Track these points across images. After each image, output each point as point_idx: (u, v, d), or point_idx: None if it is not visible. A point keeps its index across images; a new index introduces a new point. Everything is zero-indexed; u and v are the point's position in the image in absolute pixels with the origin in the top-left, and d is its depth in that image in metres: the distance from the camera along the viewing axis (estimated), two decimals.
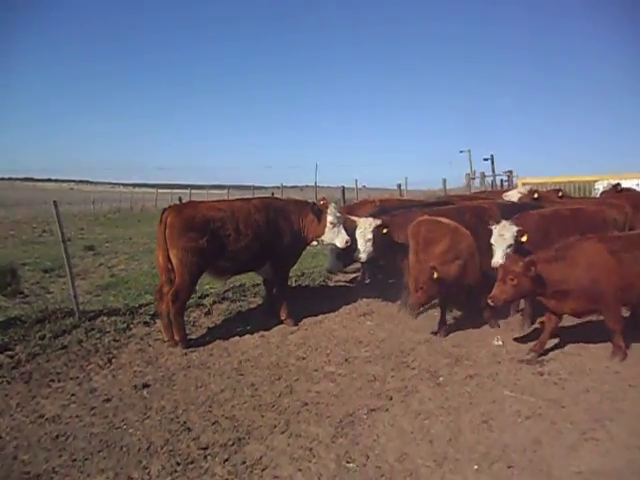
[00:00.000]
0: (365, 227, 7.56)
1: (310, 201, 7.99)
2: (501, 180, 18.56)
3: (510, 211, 7.68)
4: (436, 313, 7.67)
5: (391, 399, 5.10)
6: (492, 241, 6.82)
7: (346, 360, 6.16)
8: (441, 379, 5.55)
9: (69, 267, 7.08)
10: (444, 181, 14.36)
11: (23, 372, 5.65)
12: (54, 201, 6.64)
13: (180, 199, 10.12)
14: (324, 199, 7.78)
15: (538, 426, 4.45)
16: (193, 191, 27.05)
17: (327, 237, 7.49)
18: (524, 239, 6.72)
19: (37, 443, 4.36)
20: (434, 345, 6.53)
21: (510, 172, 18.35)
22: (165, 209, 6.67)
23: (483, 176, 16.43)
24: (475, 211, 7.77)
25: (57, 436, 4.47)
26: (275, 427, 4.62)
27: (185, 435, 4.50)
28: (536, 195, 9.71)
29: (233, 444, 4.35)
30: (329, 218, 7.32)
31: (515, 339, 6.52)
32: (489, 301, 5.84)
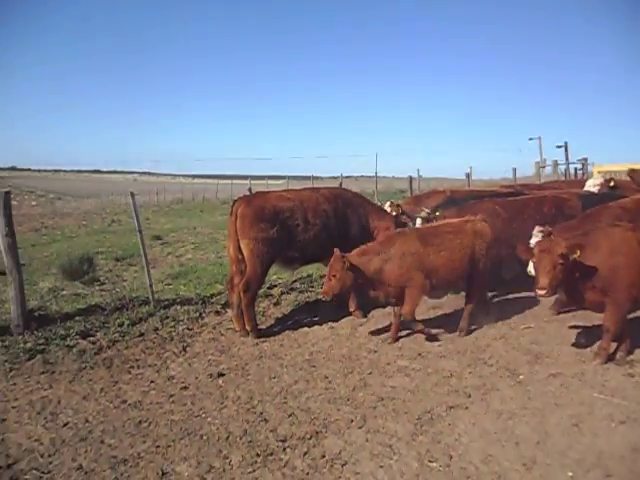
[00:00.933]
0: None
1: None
2: (575, 168, 17.60)
3: (590, 202, 7.26)
4: (509, 307, 7.41)
5: (470, 397, 4.92)
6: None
7: (419, 354, 6.02)
8: (521, 377, 5.30)
9: (145, 257, 7.28)
10: (514, 170, 13.74)
11: (105, 358, 5.85)
12: (131, 192, 6.82)
13: (250, 190, 10.19)
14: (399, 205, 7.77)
15: (635, 432, 4.15)
16: (253, 181, 27.31)
17: None
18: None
19: (122, 428, 4.48)
20: (511, 341, 6.26)
21: (585, 160, 17.34)
22: (235, 200, 6.72)
23: (556, 164, 15.60)
24: (554, 202, 7.39)
25: (140, 422, 4.58)
26: (352, 421, 4.55)
27: (263, 426, 4.51)
28: (612, 184, 9.15)
29: (311, 437, 4.31)
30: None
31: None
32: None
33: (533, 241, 6.45)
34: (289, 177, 30.51)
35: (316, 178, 29.50)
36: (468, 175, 12.90)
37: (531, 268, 6.44)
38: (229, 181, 42.28)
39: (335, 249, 6.02)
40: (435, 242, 6.34)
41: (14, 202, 6.22)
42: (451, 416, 4.57)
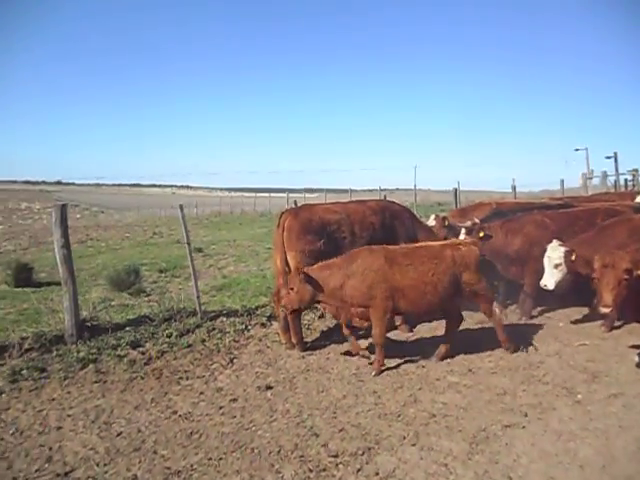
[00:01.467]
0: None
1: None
2: (625, 180, 16.95)
3: None
4: (561, 324, 7.19)
5: (526, 416, 4.75)
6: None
7: (469, 370, 5.86)
8: (580, 397, 5.10)
9: (193, 268, 7.37)
10: (562, 182, 13.35)
11: (154, 368, 5.92)
12: (180, 205, 6.92)
13: (295, 202, 10.24)
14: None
15: None
16: (290, 195, 27.56)
17: None
18: (573, 258, 6.37)
19: (174, 439, 4.50)
20: (565, 358, 6.04)
21: (636, 170, 16.69)
22: (283, 212, 6.74)
23: (605, 175, 15.07)
24: (608, 214, 7.14)
25: (191, 433, 4.59)
26: (404, 438, 4.45)
27: (313, 441, 4.46)
28: None
29: (363, 453, 4.23)
30: None
31: None
32: None
33: (551, 254, 6.49)
34: (326, 190, 30.64)
35: (353, 191, 29.47)
36: (514, 187, 12.53)
37: (546, 281, 6.46)
38: (267, 194, 42.73)
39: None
40: (404, 262, 5.89)
41: None
42: (508, 435, 4.42)
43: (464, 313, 7.44)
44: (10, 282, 10.30)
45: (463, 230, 7.62)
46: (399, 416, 4.85)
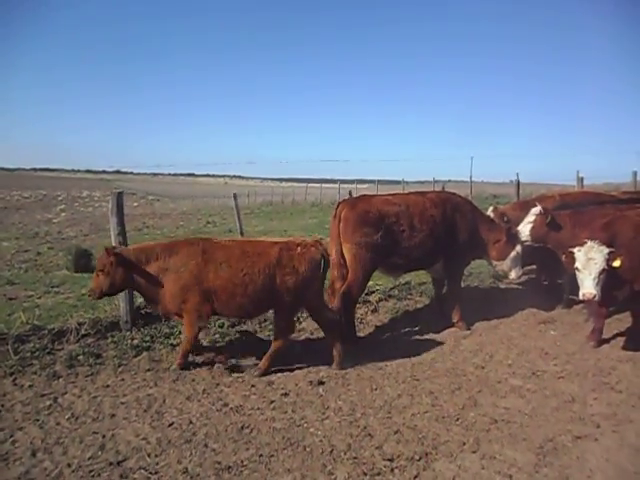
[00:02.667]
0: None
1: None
2: None
3: None
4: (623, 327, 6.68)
5: (599, 427, 4.39)
6: (578, 266, 5.68)
7: (533, 374, 5.52)
8: None
9: None
10: (634, 174, 12.42)
11: (206, 358, 5.87)
12: (234, 194, 6.85)
13: (350, 193, 10.01)
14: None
15: None
16: (342, 185, 27.30)
17: (504, 265, 7.06)
18: (617, 263, 5.50)
19: (224, 432, 4.41)
20: None
21: None
22: (340, 203, 6.53)
23: None
24: None
25: (242, 427, 4.49)
26: (464, 444, 4.19)
27: (367, 442, 4.26)
28: None
29: (420, 459, 4.01)
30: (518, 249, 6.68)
31: None
32: None
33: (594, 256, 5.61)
34: (378, 181, 30.19)
35: (405, 182, 28.89)
36: (581, 179, 11.63)
37: (589, 290, 5.58)
38: (318, 185, 42.64)
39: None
40: (220, 258, 5.36)
41: None
42: (579, 448, 4.09)
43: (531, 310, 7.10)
44: (70, 267, 10.58)
45: (528, 219, 7.00)
46: (458, 420, 4.60)
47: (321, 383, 5.34)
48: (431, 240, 6.44)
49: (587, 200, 8.00)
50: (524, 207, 7.99)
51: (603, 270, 5.55)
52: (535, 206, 7.45)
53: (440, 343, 6.49)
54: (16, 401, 4.87)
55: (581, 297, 5.68)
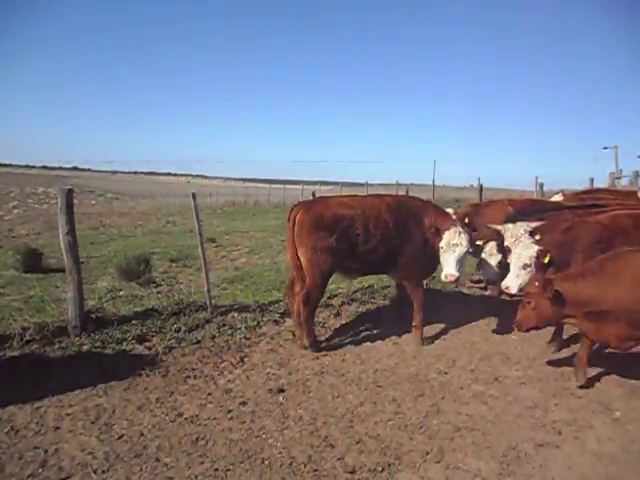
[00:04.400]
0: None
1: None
2: None
3: None
4: None
5: (560, 434, 4.37)
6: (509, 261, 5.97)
7: (496, 379, 5.48)
8: (618, 414, 4.70)
9: (204, 262, 7.01)
10: (591, 180, 12.67)
11: (160, 366, 5.60)
12: (193, 193, 6.57)
13: (314, 194, 9.81)
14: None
15: None
16: (305, 186, 27.17)
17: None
18: (546, 260, 5.70)
19: (178, 445, 4.17)
20: (599, 370, 5.62)
21: None
22: (294, 205, 6.34)
23: (636, 175, 14.34)
24: None
25: (197, 439, 4.26)
26: (427, 454, 4.09)
27: (328, 452, 4.11)
28: None
29: (383, 470, 3.88)
30: (441, 241, 6.31)
31: None
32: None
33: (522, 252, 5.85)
34: (341, 183, 30.13)
35: (369, 185, 28.97)
36: (541, 185, 11.77)
37: (509, 283, 5.85)
38: (281, 185, 42.34)
39: None
40: None
41: (75, 201, 6.08)
42: (541, 456, 4.04)
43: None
44: (19, 267, 10.07)
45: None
46: (421, 428, 4.50)
47: (281, 391, 5.15)
48: (386, 244, 6.28)
49: (533, 207, 7.92)
50: (476, 211, 7.93)
51: (527, 265, 5.78)
52: (486, 208, 7.50)
53: (402, 348, 6.40)
54: None
55: (502, 287, 5.98)
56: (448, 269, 6.22)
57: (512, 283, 5.80)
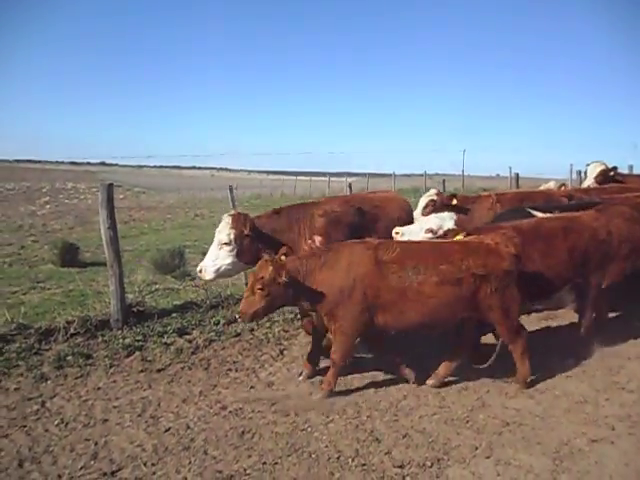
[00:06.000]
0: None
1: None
2: None
3: None
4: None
5: (614, 429, 4.23)
6: None
7: (540, 372, 5.36)
8: None
9: None
10: (630, 168, 12.14)
11: (202, 358, 5.64)
12: (230, 186, 6.59)
13: (350, 186, 9.66)
14: None
15: None
16: (332, 178, 27.04)
17: None
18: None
19: (224, 438, 4.18)
20: None
21: None
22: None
23: None
24: None
25: (243, 432, 4.27)
26: (476, 449, 4.01)
27: (375, 447, 4.07)
28: None
29: (432, 465, 3.82)
30: None
31: None
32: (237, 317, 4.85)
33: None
34: (368, 174, 29.91)
35: (397, 176, 28.66)
36: (582, 173, 11.16)
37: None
38: (307, 178, 42.26)
39: None
40: None
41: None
42: (596, 452, 3.92)
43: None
44: (56, 262, 10.26)
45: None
46: (468, 422, 4.42)
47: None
48: None
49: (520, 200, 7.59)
50: (464, 203, 7.66)
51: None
52: (473, 204, 7.30)
53: (442, 339, 6.29)
54: (1, 406, 4.60)
55: None
56: None
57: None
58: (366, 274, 4.67)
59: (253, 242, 5.41)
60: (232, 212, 5.86)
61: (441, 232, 5.61)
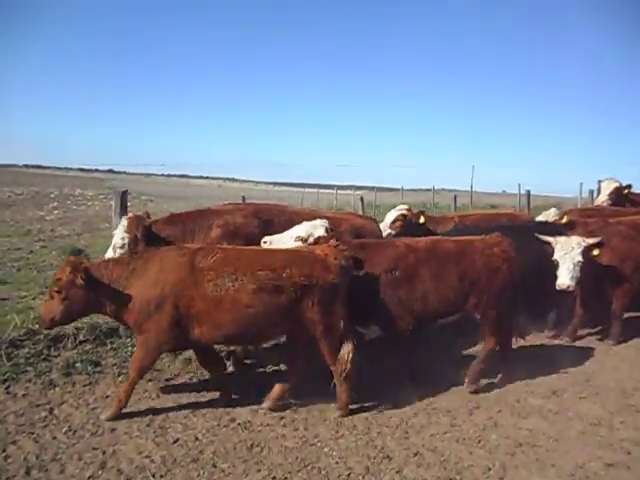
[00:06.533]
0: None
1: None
2: None
3: None
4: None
5: (630, 453, 4.16)
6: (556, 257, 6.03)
7: (553, 393, 5.29)
8: None
9: None
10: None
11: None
12: (242, 196, 6.60)
13: (362, 199, 9.67)
14: None
15: None
16: (339, 191, 27.07)
17: None
18: (596, 253, 6.08)
19: (233, 450, 4.13)
20: None
21: None
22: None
23: None
24: None
25: (252, 445, 4.22)
26: (489, 469, 3.95)
27: (386, 464, 4.01)
28: None
29: None
30: None
31: None
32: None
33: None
34: (376, 188, 29.84)
35: (405, 190, 28.61)
36: (593, 193, 10.89)
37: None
38: (314, 190, 42.24)
39: None
40: None
41: (111, 202, 6.15)
42: (612, 476, 3.87)
43: None
44: None
45: None
46: (479, 442, 4.36)
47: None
48: None
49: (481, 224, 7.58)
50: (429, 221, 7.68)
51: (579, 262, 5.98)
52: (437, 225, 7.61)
53: (452, 357, 6.23)
54: (9, 411, 4.54)
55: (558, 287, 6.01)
56: None
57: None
58: (178, 282, 4.36)
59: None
60: (130, 215, 5.90)
61: (312, 240, 5.32)
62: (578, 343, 6.76)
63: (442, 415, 4.83)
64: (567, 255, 6.05)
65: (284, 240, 5.40)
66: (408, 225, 7.45)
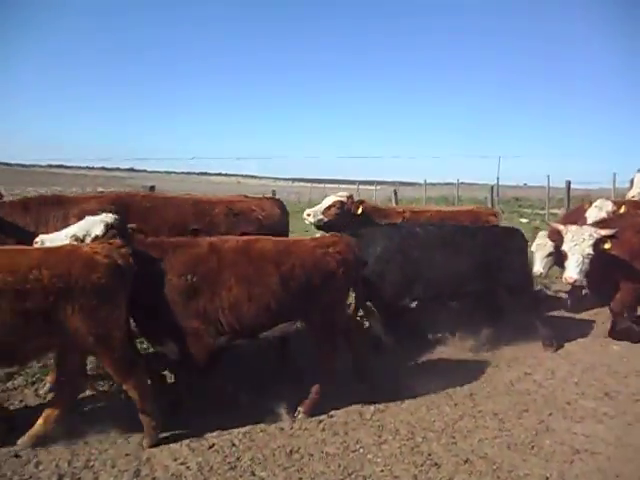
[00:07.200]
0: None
1: None
2: None
3: None
4: None
5: None
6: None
7: (606, 394, 4.98)
8: None
9: None
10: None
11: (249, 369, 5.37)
12: (273, 191, 6.39)
13: (395, 192, 9.36)
14: None
15: None
16: (360, 186, 26.79)
17: None
18: (607, 246, 5.69)
19: (272, 457, 3.92)
20: None
21: None
22: None
23: None
24: None
25: (291, 451, 4.00)
26: (547, 479, 3.67)
27: (434, 473, 3.77)
28: None
29: None
30: None
31: None
32: None
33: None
34: (399, 183, 29.36)
35: (428, 184, 28.17)
36: (630, 182, 10.21)
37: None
38: (335, 185, 42.02)
39: None
40: None
41: None
42: None
43: None
44: None
45: None
46: (533, 448, 4.09)
47: (372, 402, 4.80)
48: None
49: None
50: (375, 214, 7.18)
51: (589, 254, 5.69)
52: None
53: (497, 357, 5.95)
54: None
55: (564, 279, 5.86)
56: None
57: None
58: None
59: None
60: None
61: (89, 240, 4.41)
62: (623, 343, 6.40)
63: (489, 418, 4.55)
64: (577, 247, 5.69)
65: (60, 239, 4.55)
66: (344, 214, 6.78)
